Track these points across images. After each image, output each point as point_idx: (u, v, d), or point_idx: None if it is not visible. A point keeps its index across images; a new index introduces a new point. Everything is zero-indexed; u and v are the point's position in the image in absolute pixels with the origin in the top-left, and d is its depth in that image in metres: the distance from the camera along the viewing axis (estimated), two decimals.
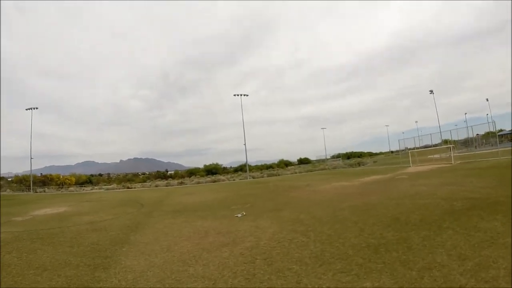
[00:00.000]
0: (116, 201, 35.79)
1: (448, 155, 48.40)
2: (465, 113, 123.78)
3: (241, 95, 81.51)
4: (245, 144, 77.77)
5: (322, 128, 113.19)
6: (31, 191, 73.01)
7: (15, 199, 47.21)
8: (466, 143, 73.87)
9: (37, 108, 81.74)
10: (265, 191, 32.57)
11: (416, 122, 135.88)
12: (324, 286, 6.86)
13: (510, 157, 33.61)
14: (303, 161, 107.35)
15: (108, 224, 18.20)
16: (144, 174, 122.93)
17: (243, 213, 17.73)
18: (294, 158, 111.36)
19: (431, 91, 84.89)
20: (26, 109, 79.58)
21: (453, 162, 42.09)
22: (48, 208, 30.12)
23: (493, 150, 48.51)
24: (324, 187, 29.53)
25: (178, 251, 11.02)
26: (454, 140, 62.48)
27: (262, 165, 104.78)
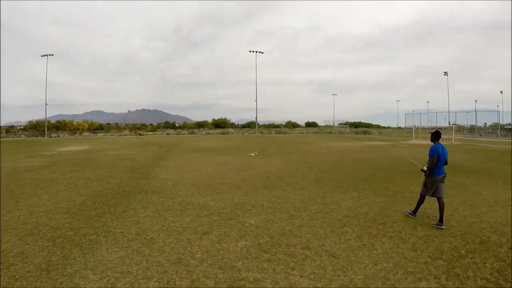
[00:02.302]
0: (133, 142, 38.23)
1: (450, 136, 49.89)
2: (475, 100, 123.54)
3: (256, 51, 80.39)
4: (256, 100, 78.80)
5: (333, 95, 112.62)
6: (46, 136, 74.00)
7: (33, 141, 47.95)
8: (472, 130, 74.64)
9: (52, 55, 77.76)
10: (274, 142, 35.24)
11: (428, 102, 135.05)
12: (322, 191, 9.28)
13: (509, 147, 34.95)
14: (310, 125, 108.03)
15: (135, 155, 20.60)
16: (151, 125, 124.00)
17: (255, 153, 20.13)
18: (302, 122, 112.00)
19: (446, 73, 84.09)
20: (42, 56, 75.74)
21: (453, 141, 43.73)
22: (71, 146, 32.25)
23: (495, 140, 49.75)
24: (329, 144, 31.87)
25: (204, 171, 13.45)
26: (459, 125, 63.32)
27: (270, 124, 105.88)
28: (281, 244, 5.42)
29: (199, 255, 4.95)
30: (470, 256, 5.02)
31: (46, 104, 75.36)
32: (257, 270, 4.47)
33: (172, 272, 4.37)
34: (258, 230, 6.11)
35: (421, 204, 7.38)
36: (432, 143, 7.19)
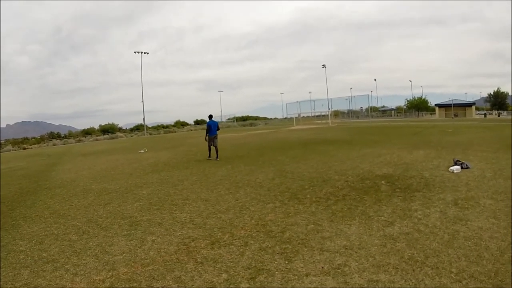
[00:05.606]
0: (20, 155, 35.71)
1: (328, 121, 55.69)
2: (351, 88, 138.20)
3: (141, 52, 77.70)
4: (142, 101, 77.71)
5: (219, 91, 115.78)
6: None
7: None
8: (349, 114, 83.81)
9: None
10: (163, 140, 36.54)
11: (310, 92, 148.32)
12: (202, 167, 11.43)
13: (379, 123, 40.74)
14: (199, 122, 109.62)
15: (26, 166, 20.05)
16: (34, 138, 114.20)
17: (145, 149, 21.56)
18: (190, 120, 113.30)
19: (324, 65, 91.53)
20: None
21: (330, 124, 49.30)
22: None
23: (368, 120, 56.87)
24: None
25: (98, 168, 14.60)
26: (337, 110, 70.76)
27: (158, 126, 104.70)
28: (167, 200, 7.46)
29: (104, 215, 6.69)
30: (311, 188, 7.73)
31: None
32: (149, 215, 6.43)
33: (85, 227, 6.03)
34: (149, 196, 8.06)
35: (210, 151, 14.06)
36: (209, 120, 14.09)
